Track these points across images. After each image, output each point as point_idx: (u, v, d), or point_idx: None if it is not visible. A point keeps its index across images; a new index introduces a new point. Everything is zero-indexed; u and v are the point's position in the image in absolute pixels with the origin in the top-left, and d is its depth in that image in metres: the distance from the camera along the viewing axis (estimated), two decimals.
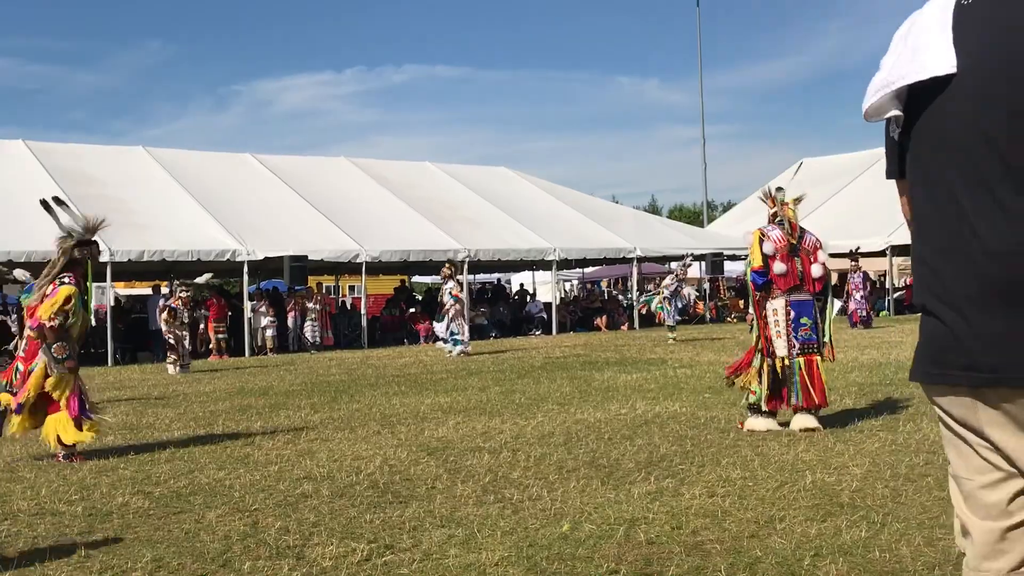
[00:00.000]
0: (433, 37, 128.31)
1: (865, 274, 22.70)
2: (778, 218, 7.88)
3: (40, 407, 7.54)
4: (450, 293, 18.19)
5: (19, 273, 12.36)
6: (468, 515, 5.18)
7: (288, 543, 4.75)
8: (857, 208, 29.26)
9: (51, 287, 7.53)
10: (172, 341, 16.40)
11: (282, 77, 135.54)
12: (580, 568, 4.13)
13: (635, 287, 29.51)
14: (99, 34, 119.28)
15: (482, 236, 25.12)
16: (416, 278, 35.50)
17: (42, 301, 7.47)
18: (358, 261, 22.88)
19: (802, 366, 7.49)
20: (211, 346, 21.44)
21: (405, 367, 16.08)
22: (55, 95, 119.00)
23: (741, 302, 25.06)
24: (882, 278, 32.74)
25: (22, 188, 21.49)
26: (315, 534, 4.91)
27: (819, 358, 7.57)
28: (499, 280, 37.36)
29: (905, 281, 33.90)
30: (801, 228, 7.92)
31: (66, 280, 7.54)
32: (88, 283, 8.08)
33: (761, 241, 7.64)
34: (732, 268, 33.28)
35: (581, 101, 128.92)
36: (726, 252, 29.47)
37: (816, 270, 7.69)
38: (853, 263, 23.48)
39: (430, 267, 27.06)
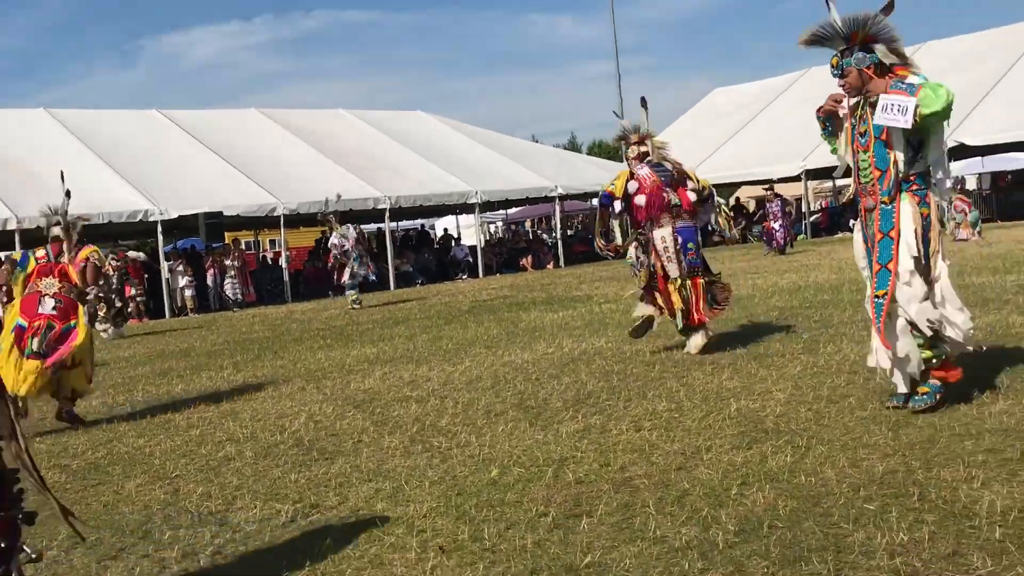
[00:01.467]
0: None
1: (783, 200, 22.96)
2: (648, 158, 8.25)
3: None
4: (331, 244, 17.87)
5: None
6: (396, 467, 5.10)
7: (210, 509, 4.63)
8: (771, 135, 29.55)
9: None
10: (103, 306, 15.93)
11: (190, 29, 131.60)
12: (510, 513, 4.09)
13: (558, 225, 29.52)
14: None
15: (402, 183, 24.82)
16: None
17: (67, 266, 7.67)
18: (276, 215, 22.47)
19: (689, 287, 8.01)
20: (130, 310, 20.93)
21: (330, 319, 15.89)
22: None
23: None
24: (798, 202, 33.25)
25: None
26: (238, 498, 4.79)
27: (702, 280, 8.09)
28: (423, 226, 37.07)
29: (820, 204, 34.52)
30: (667, 161, 8.35)
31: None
32: None
33: (627, 180, 8.15)
34: None
35: (494, 40, 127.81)
36: None
37: (690, 196, 8.16)
38: (768, 191, 23.76)
39: (351, 216, 26.65)
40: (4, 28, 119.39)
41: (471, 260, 27.37)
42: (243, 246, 27.62)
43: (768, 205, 22.84)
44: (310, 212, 23.61)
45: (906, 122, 4.80)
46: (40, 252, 7.84)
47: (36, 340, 7.38)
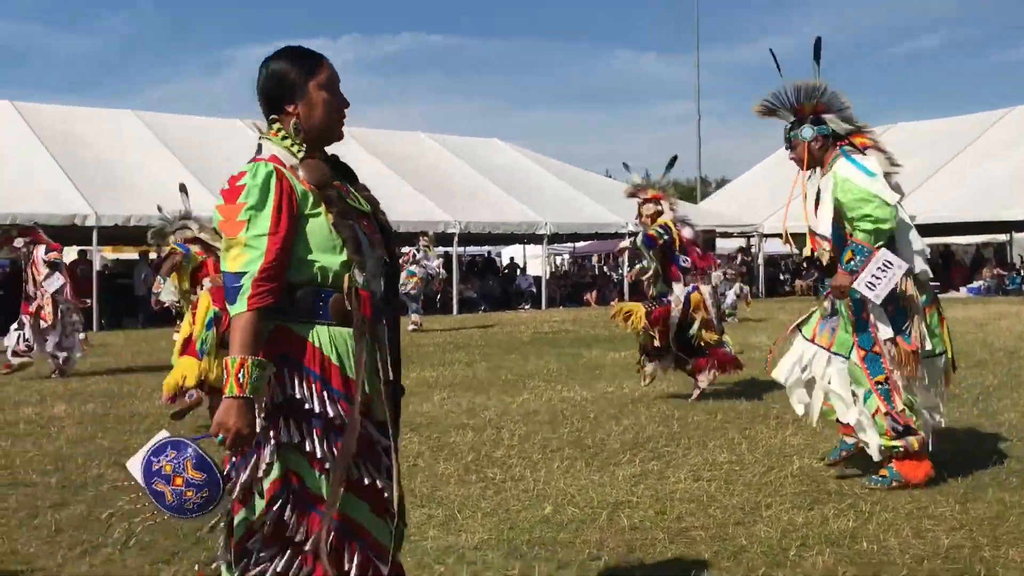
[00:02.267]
0: (428, 5, 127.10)
1: None
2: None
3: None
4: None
5: (19, 241, 12.23)
6: (449, 495, 5.09)
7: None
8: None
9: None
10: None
11: (276, 42, 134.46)
12: (561, 553, 4.04)
13: (626, 263, 29.37)
14: None
15: (473, 208, 24.94)
16: (405, 248, 35.30)
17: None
18: None
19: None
20: None
21: None
22: (44, 57, 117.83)
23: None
24: None
25: (8, 149, 21.26)
26: None
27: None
28: (489, 253, 37.20)
29: None
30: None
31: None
32: None
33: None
34: (724, 245, 33.20)
35: (576, 73, 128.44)
36: (719, 229, 29.35)
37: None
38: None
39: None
40: (98, 30, 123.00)
41: (535, 291, 27.35)
42: None
43: None
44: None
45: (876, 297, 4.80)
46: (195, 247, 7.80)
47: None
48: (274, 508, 2.52)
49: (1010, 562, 3.77)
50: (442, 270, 18.10)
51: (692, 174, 55.54)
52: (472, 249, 35.04)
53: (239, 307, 2.47)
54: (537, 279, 27.92)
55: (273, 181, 2.55)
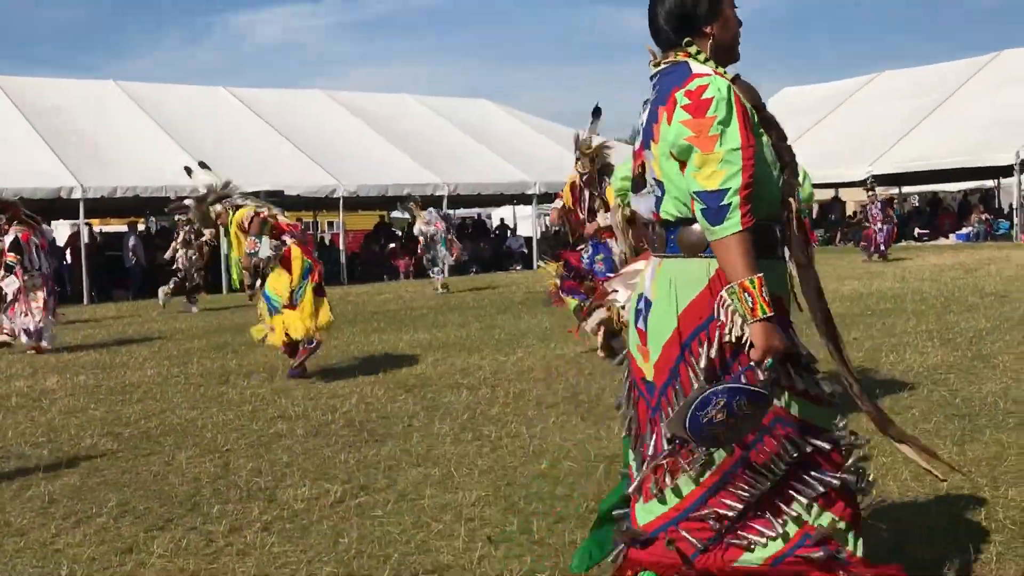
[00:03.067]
0: None
1: (883, 202, 22.08)
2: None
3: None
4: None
5: None
6: (445, 453, 5.06)
7: (260, 485, 4.62)
8: (839, 138, 29.03)
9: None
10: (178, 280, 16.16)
11: (259, 8, 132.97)
12: (559, 507, 4.02)
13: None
14: None
15: (462, 170, 24.79)
16: (395, 213, 35.14)
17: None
18: (335, 196, 22.56)
19: None
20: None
21: (384, 303, 15.92)
22: (23, 29, 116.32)
23: None
24: (864, 208, 32.69)
25: None
26: (287, 475, 4.78)
27: None
28: (479, 215, 37.05)
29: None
30: None
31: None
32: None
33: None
34: None
35: (560, 31, 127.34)
36: None
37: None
38: (869, 192, 22.84)
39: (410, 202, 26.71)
40: (76, 0, 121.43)
41: (526, 251, 27.28)
42: (302, 226, 27.77)
43: (868, 208, 22.05)
44: (369, 195, 23.74)
45: None
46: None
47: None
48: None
49: (1010, 502, 3.76)
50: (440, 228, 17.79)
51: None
52: (462, 212, 34.88)
53: (731, 226, 2.34)
54: (528, 240, 27.84)
55: (733, 94, 2.43)
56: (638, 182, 2.66)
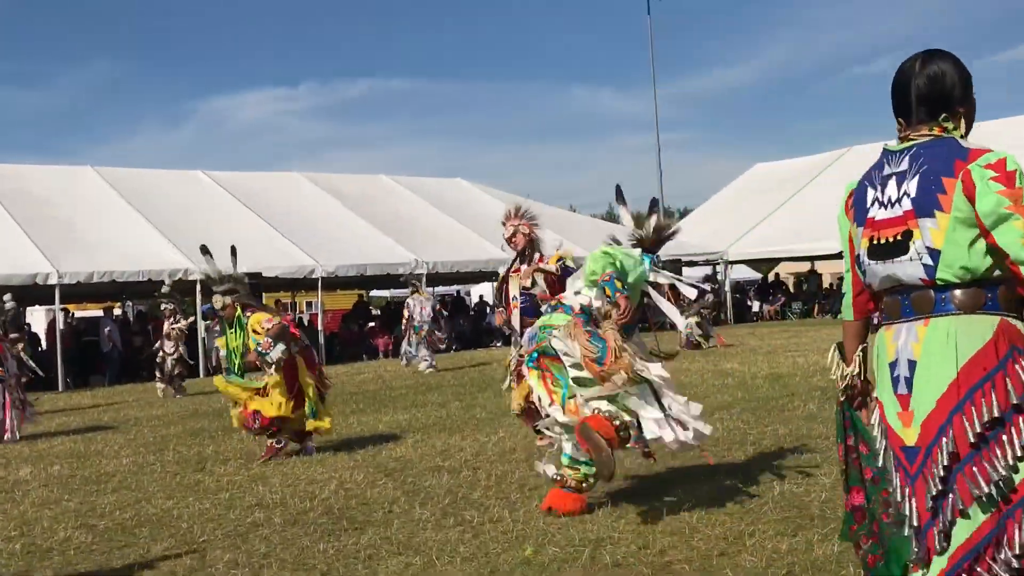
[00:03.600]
0: (386, 50, 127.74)
1: None
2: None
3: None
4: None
5: (7, 298, 12.00)
6: (427, 540, 4.97)
7: None
8: (813, 212, 29.39)
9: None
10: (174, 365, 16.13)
11: (236, 93, 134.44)
12: None
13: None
14: (43, 53, 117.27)
15: (440, 248, 24.87)
16: (374, 292, 35.16)
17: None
18: (314, 277, 22.54)
19: None
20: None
21: (363, 383, 15.81)
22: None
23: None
24: (840, 280, 32.96)
25: None
26: (265, 567, 4.67)
27: None
28: (458, 292, 37.11)
29: None
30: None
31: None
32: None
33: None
34: (689, 273, 33.33)
35: (536, 111, 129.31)
36: (684, 258, 29.47)
37: None
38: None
39: (388, 281, 26.72)
40: (54, 87, 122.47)
41: (506, 329, 27.24)
42: (281, 307, 27.70)
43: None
44: (348, 275, 23.74)
45: None
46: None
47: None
48: None
49: None
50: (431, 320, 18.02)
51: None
52: (441, 289, 34.93)
53: None
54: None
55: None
56: (883, 249, 2.72)
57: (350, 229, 25.01)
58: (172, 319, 16.45)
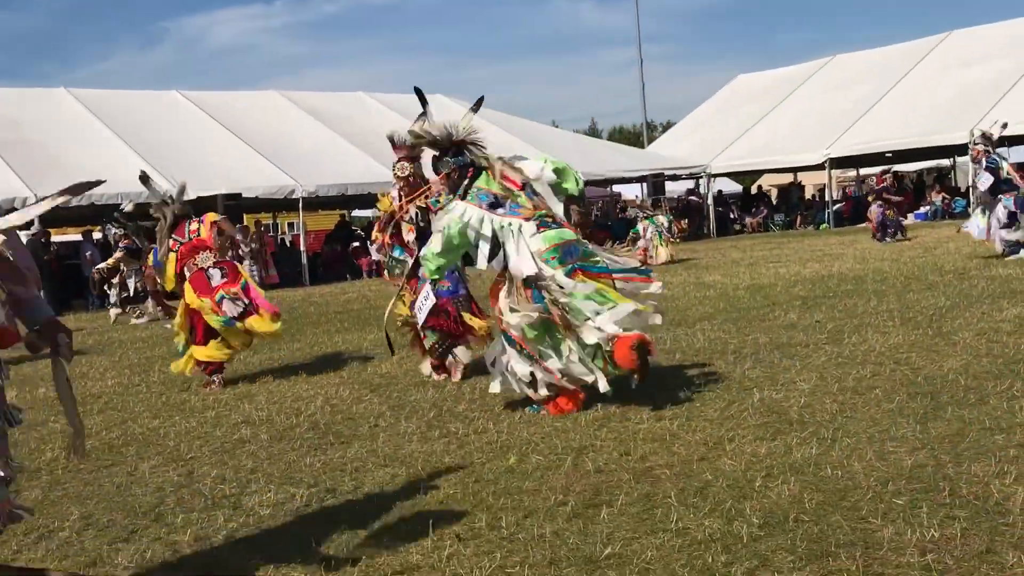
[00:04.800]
0: None
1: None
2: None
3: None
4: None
5: None
6: (412, 452, 5.03)
7: (224, 492, 4.57)
8: (796, 123, 29.26)
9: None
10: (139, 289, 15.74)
11: (211, 11, 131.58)
12: (528, 501, 4.01)
13: (572, 211, 29.32)
14: None
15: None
16: (356, 212, 34.98)
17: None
18: (294, 197, 22.38)
19: None
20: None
21: (348, 303, 15.83)
22: None
23: (684, 222, 24.99)
24: (821, 192, 32.98)
25: None
26: (252, 481, 4.73)
27: None
28: None
29: (844, 192, 34.20)
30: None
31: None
32: None
33: None
34: (673, 188, 33.27)
35: (516, 26, 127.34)
36: (667, 172, 29.40)
37: None
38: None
39: (370, 200, 26.53)
40: (26, 7, 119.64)
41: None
42: (262, 228, 27.55)
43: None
44: (329, 195, 23.59)
45: None
46: (169, 242, 8.16)
47: (232, 304, 7.86)
48: None
49: (972, 477, 3.79)
50: None
51: (638, 119, 55.52)
52: None
53: None
54: None
55: None
56: None
57: (330, 148, 24.76)
58: (121, 243, 16.04)
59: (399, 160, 7.33)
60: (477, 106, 6.46)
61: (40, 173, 19.76)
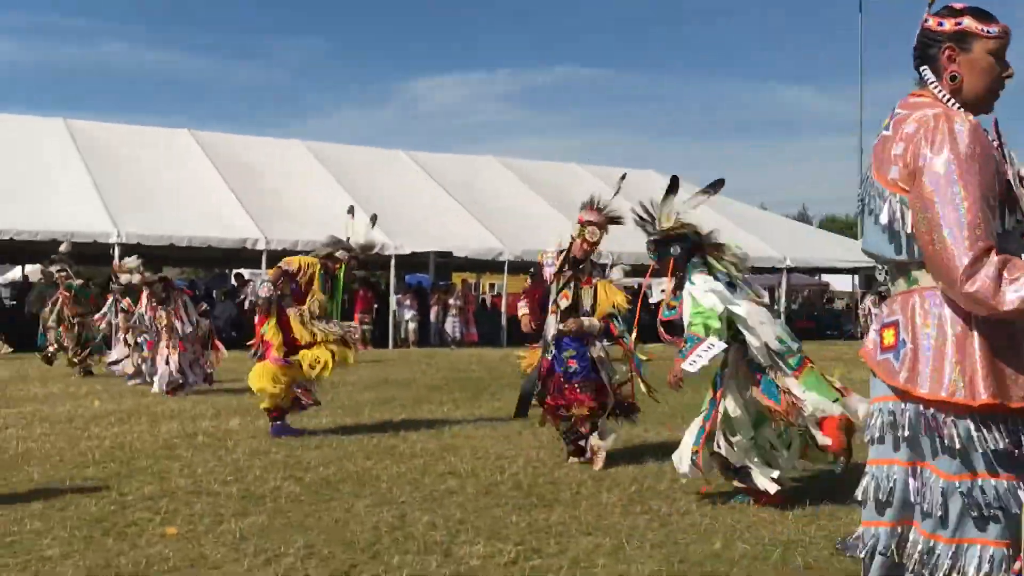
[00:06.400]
0: (583, 38, 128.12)
1: None
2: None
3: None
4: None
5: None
6: (615, 524, 5.08)
7: (435, 539, 4.75)
8: None
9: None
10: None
11: (436, 75, 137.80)
12: None
13: (782, 298, 28.73)
14: (262, 29, 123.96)
15: (627, 239, 24.85)
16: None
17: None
18: (501, 259, 23.01)
19: None
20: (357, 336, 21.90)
21: None
22: (219, 88, 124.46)
23: None
24: None
25: (188, 176, 22.55)
26: (462, 532, 4.89)
27: None
28: (639, 285, 36.98)
29: None
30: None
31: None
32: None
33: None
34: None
35: (732, 106, 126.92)
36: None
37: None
38: None
39: None
40: (269, 63, 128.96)
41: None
42: (467, 287, 28.39)
43: None
44: (533, 260, 24.05)
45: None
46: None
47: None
48: None
49: None
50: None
51: (852, 209, 53.92)
52: (626, 281, 34.84)
53: None
54: None
55: None
56: None
57: (539, 214, 25.35)
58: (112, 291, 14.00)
59: (592, 224, 7.18)
60: (714, 188, 6.43)
61: (270, 217, 21.19)
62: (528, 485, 6.07)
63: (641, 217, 6.03)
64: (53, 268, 14.20)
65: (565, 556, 4.48)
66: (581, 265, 7.14)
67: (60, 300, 13.99)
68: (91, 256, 19.57)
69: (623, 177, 7.21)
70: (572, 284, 7.10)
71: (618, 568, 4.27)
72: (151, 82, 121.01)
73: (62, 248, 14.49)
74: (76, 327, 13.81)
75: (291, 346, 8.25)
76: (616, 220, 6.95)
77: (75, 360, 13.85)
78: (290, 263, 8.41)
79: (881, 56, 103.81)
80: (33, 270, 24.80)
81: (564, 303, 7.04)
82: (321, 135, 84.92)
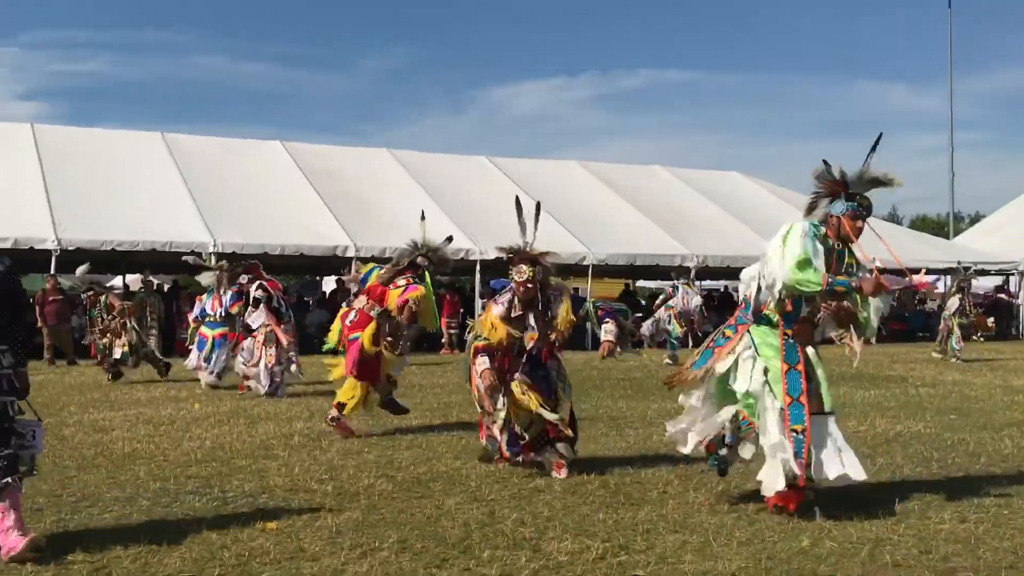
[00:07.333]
0: (667, 41, 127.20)
1: None
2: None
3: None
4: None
5: (243, 278, 13.33)
6: (702, 522, 5.13)
7: (524, 535, 4.87)
8: None
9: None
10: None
11: (518, 82, 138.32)
12: None
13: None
14: (348, 40, 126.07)
15: (711, 241, 24.74)
16: (640, 282, 35.38)
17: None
18: (584, 264, 23.07)
19: None
20: (443, 340, 22.25)
21: (629, 370, 16.04)
22: (307, 98, 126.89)
23: (990, 320, 23.46)
24: None
25: (279, 185, 23.18)
26: (550, 528, 5.00)
27: None
28: (726, 287, 36.62)
29: None
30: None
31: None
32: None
33: None
34: (979, 284, 31.23)
35: (818, 106, 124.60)
36: (975, 266, 27.67)
37: None
38: None
39: (656, 271, 26.87)
40: (355, 73, 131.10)
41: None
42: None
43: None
44: (617, 264, 24.11)
45: None
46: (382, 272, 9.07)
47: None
48: None
49: None
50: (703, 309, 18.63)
51: (942, 208, 52.60)
52: (709, 284, 34.64)
53: None
54: None
55: None
56: None
57: (622, 218, 25.37)
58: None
59: (516, 264, 7.27)
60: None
61: (358, 224, 21.63)
62: (615, 484, 6.16)
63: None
64: (152, 278, 15.04)
65: (652, 552, 4.56)
66: (534, 303, 6.89)
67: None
68: (191, 265, 20.22)
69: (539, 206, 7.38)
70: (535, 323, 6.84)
71: (704, 564, 4.33)
72: (242, 94, 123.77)
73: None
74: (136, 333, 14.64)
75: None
76: (544, 253, 6.96)
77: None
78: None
79: (969, 51, 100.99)
80: (134, 279, 25.70)
81: (529, 344, 6.86)
82: (406, 144, 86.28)
